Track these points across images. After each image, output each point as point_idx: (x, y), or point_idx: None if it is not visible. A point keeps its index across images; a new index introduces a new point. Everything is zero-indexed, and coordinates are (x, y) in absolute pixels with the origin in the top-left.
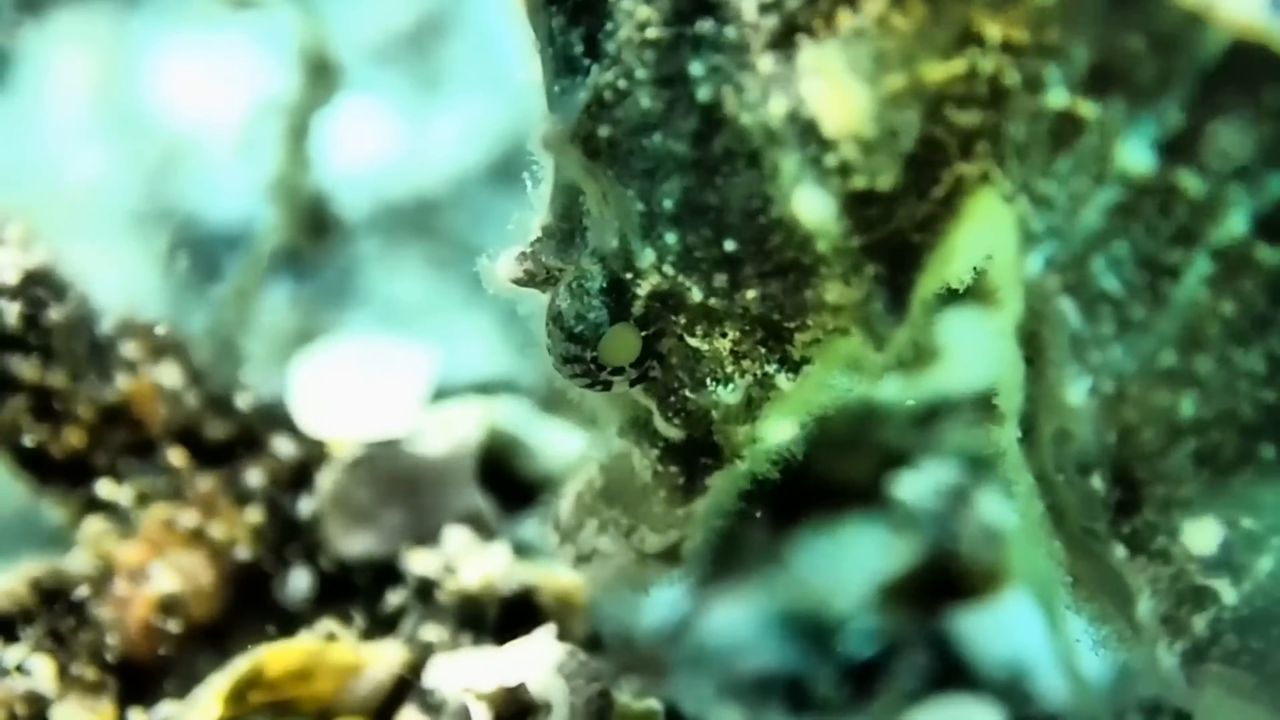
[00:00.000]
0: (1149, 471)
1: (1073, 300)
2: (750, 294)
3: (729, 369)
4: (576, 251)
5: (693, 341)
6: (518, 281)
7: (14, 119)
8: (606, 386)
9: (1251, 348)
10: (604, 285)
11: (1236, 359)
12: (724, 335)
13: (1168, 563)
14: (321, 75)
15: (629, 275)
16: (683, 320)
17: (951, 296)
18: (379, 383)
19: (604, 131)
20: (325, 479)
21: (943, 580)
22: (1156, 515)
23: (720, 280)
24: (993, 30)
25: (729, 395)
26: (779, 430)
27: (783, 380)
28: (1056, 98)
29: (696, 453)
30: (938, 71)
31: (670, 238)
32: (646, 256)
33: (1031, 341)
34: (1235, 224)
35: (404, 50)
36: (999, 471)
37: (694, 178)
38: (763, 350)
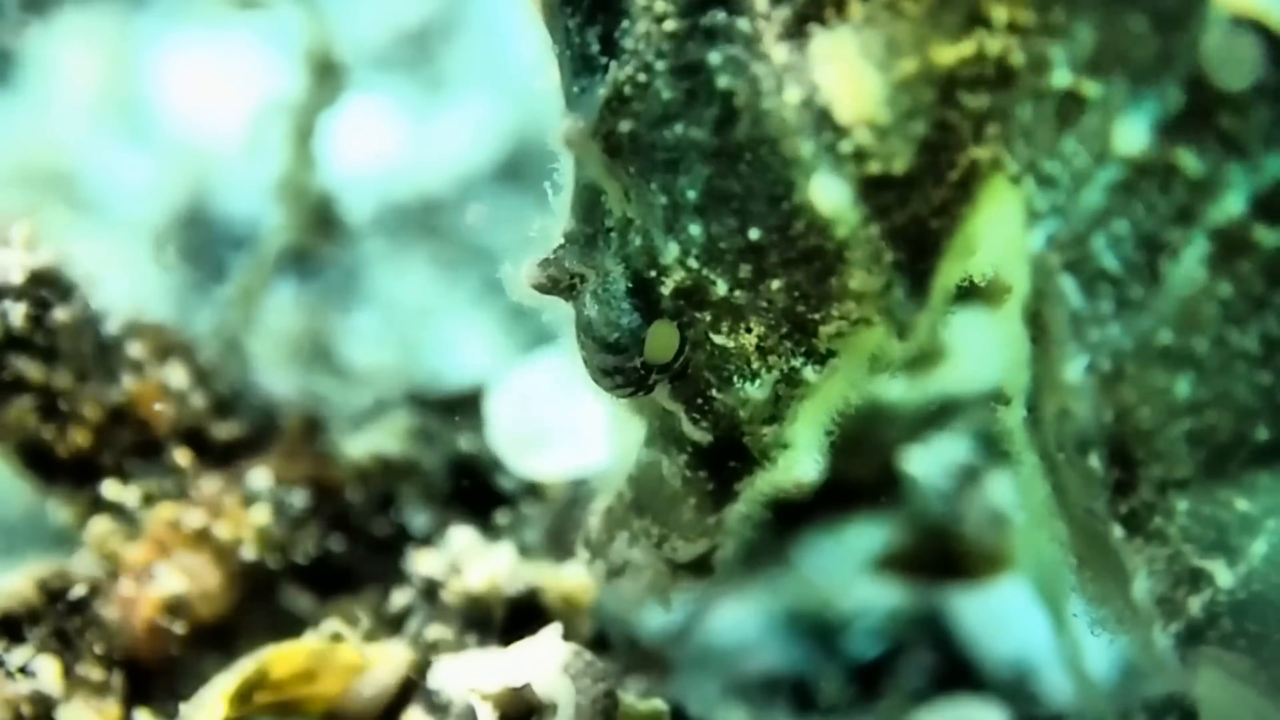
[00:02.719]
0: (1145, 451)
1: (1073, 278)
2: (775, 284)
3: (755, 365)
4: (599, 254)
5: (718, 339)
6: (540, 289)
7: (19, 118)
8: (649, 390)
9: (1248, 329)
10: (629, 287)
11: (1233, 340)
12: (749, 331)
13: (1164, 544)
14: (327, 75)
15: (653, 273)
16: (708, 317)
17: (970, 290)
18: (573, 409)
19: (624, 126)
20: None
21: (944, 559)
22: (1153, 495)
23: (745, 270)
24: (999, 12)
25: (756, 391)
26: (805, 434)
27: (810, 373)
28: (1061, 77)
29: (725, 457)
30: (948, 54)
31: (694, 229)
32: (671, 251)
33: (1035, 320)
34: (1233, 204)
35: (409, 50)
36: (1006, 453)
37: (717, 166)
38: (788, 344)
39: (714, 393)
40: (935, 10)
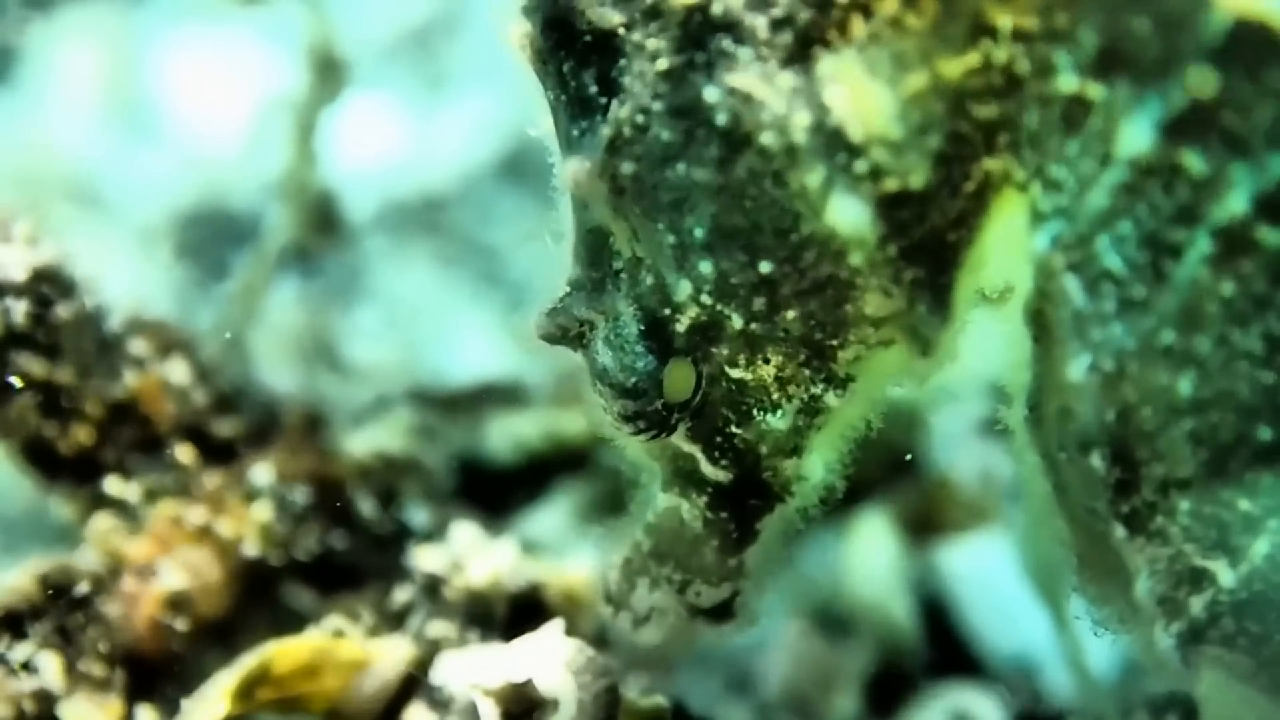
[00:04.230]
0: (1147, 451)
1: (1076, 278)
2: (790, 314)
3: (775, 396)
4: (608, 299)
5: (735, 373)
6: (550, 339)
7: (20, 115)
8: (671, 431)
9: (1250, 328)
10: (641, 329)
11: (1235, 339)
12: (767, 362)
13: (1166, 543)
14: (329, 72)
15: (666, 311)
16: (724, 351)
17: (984, 300)
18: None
19: (627, 168)
20: None
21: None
22: (1155, 495)
23: (759, 304)
24: (1003, 20)
25: (778, 421)
26: (823, 464)
27: (831, 398)
28: (1066, 82)
29: (746, 495)
30: (955, 66)
31: (705, 267)
32: (683, 289)
33: (1038, 320)
34: (1236, 203)
35: (412, 47)
36: (1009, 448)
37: (722, 203)
38: (807, 373)
39: (733, 429)
40: (940, 23)
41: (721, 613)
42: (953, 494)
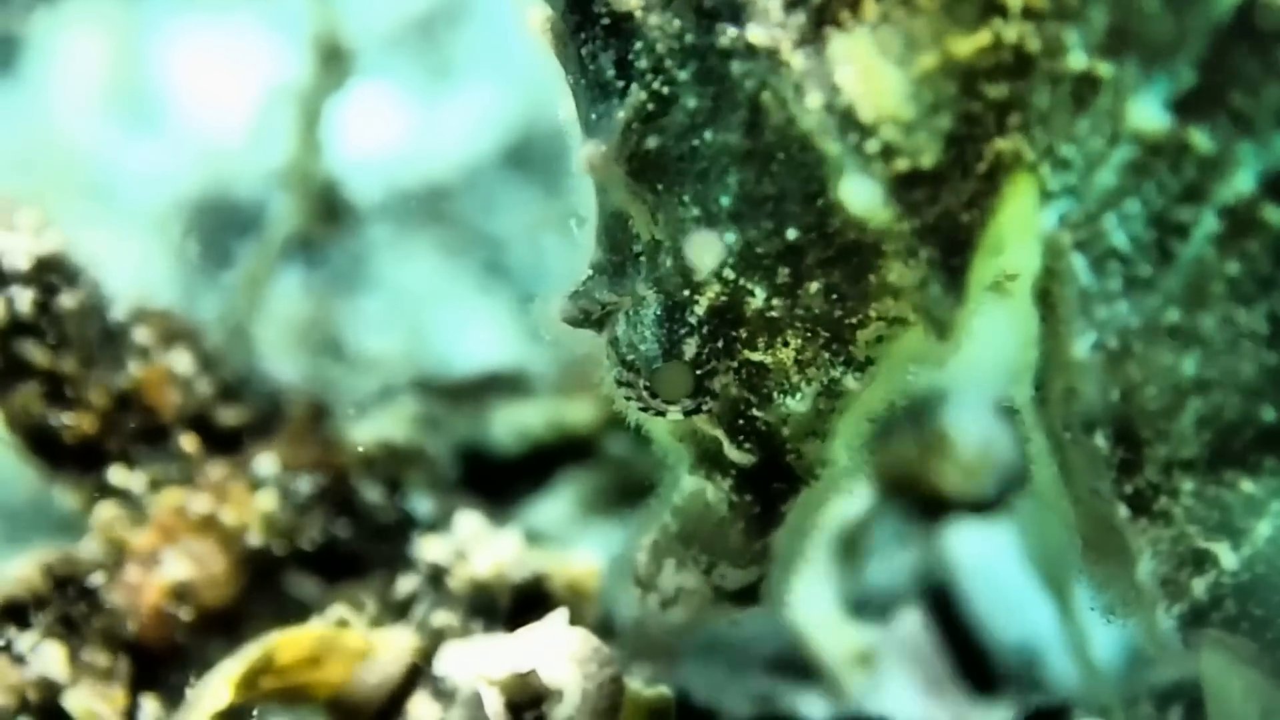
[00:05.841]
0: (1151, 431)
1: (1083, 256)
2: (813, 286)
3: (794, 379)
4: (630, 282)
5: (755, 356)
6: (572, 322)
7: (25, 104)
8: (660, 413)
9: (1255, 308)
10: (659, 314)
11: (1240, 319)
12: (786, 345)
13: (1169, 524)
14: (334, 61)
15: (686, 293)
16: (743, 334)
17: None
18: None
19: (651, 143)
20: None
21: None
22: (1158, 476)
23: (783, 275)
24: None
25: (798, 404)
26: (847, 446)
27: (851, 381)
28: (1076, 60)
29: (769, 478)
30: (965, 46)
31: (730, 237)
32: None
33: (1045, 298)
34: (1243, 182)
35: (417, 36)
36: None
37: (750, 169)
38: (826, 355)
39: (754, 411)
40: (950, 2)
41: (747, 596)
42: (949, 451)
